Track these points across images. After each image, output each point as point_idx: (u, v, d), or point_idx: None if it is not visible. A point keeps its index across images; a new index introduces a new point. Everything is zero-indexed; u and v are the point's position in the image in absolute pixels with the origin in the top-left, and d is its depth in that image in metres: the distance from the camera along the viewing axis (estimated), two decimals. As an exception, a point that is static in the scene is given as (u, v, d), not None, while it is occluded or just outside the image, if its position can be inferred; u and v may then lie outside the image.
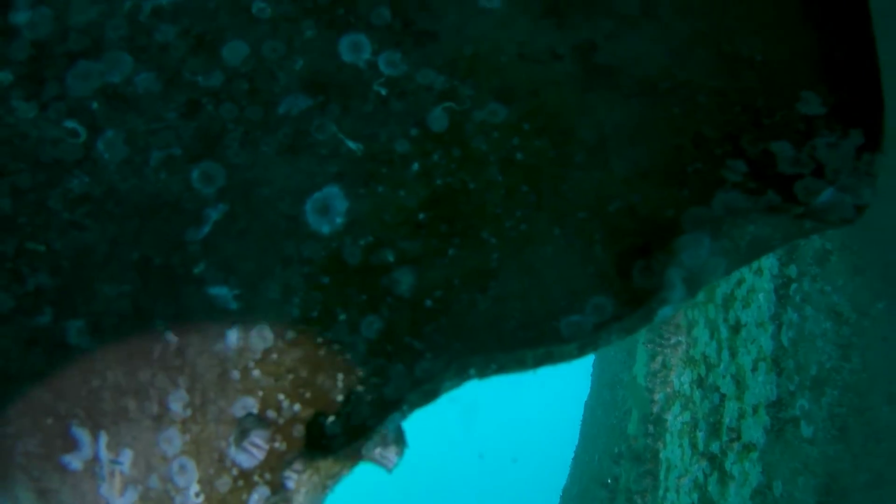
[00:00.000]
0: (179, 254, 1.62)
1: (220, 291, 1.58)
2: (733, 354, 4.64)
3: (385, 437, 1.38)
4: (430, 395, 1.40)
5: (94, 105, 1.73)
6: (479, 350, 1.44)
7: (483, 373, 1.40)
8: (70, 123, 1.73)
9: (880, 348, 3.18)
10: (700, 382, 5.10)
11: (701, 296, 5.16)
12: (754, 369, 4.34)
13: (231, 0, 1.77)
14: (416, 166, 1.61)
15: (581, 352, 1.42)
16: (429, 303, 1.51)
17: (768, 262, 4.26)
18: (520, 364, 1.41)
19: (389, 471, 1.43)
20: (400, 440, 1.41)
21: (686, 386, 5.34)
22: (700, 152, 1.71)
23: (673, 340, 5.51)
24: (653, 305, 1.43)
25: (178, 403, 1.57)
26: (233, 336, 1.56)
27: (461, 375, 1.40)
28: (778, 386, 4.04)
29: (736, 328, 4.64)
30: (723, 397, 4.72)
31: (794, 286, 3.96)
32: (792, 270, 3.98)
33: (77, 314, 1.64)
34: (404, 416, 1.41)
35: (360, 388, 1.46)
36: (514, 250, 1.54)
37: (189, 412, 1.56)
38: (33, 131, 1.73)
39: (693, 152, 1.71)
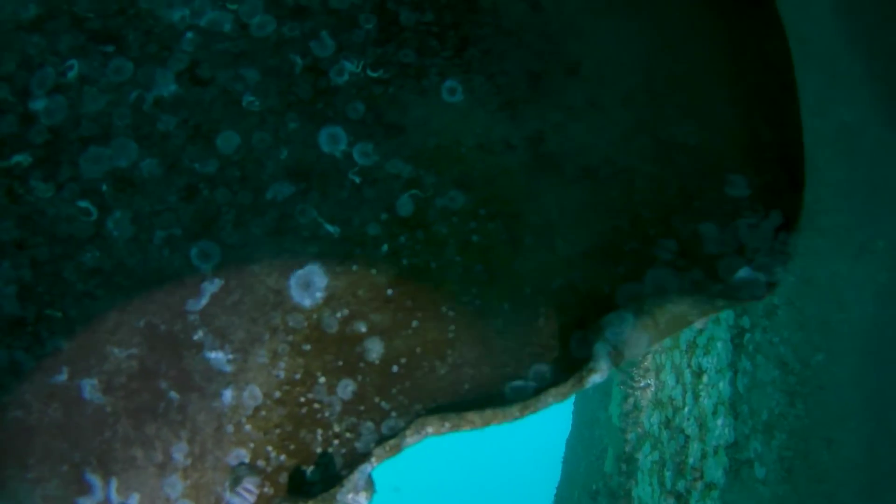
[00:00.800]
0: (180, 322, 1.98)
1: (217, 356, 1.94)
2: (696, 398, 5.09)
3: (356, 484, 1.74)
4: (394, 449, 1.77)
5: (104, 187, 2.08)
6: (436, 410, 1.80)
7: (438, 430, 1.76)
8: (83, 203, 2.08)
9: (819, 396, 3.58)
10: (667, 424, 5.56)
11: (668, 341, 5.65)
12: (714, 413, 4.78)
13: (224, 94, 2.13)
14: (385, 248, 1.97)
15: (522, 413, 1.78)
16: (395, 368, 1.88)
17: (725, 312, 4.70)
18: (470, 423, 1.77)
19: (361, 513, 1.78)
20: (369, 486, 1.76)
21: (655, 427, 5.80)
22: (636, 232, 2.08)
23: (643, 383, 5.98)
24: (583, 374, 1.79)
25: (179, 453, 1.92)
26: (227, 395, 1.92)
27: (420, 433, 1.76)
28: (735, 429, 4.48)
29: (698, 373, 5.10)
30: (687, 438, 5.17)
31: (747, 336, 4.39)
32: (745, 321, 4.42)
33: (91, 374, 1.99)
34: (372, 466, 1.77)
35: (335, 441, 1.83)
36: (468, 323, 1.91)
37: (189, 461, 1.91)
38: (50, 209, 2.09)
39: (630, 232, 2.07)
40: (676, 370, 5.50)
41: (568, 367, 1.84)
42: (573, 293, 1.96)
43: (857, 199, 3.16)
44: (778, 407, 3.99)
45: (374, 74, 2.12)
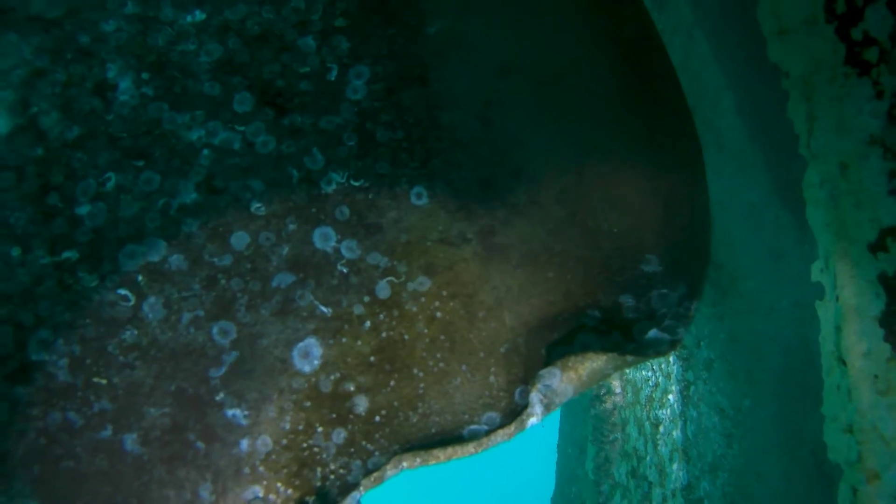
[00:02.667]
0: (205, 386, 2.68)
1: (235, 413, 2.64)
2: (656, 447, 5.93)
3: (348, 509, 2.44)
4: (377, 480, 2.47)
5: (140, 278, 2.81)
6: (410, 449, 2.51)
7: (412, 465, 2.47)
8: (122, 291, 2.80)
9: (749, 437, 4.35)
10: (633, 473, 6.38)
11: (630, 397, 6.53)
12: (671, 459, 5.60)
13: (236, 201, 2.88)
14: (367, 324, 2.71)
15: (476, 449, 2.50)
16: (377, 419, 2.59)
17: (675, 368, 5.58)
18: (436, 458, 2.48)
19: (352, 533, 2.48)
20: (358, 511, 2.47)
21: (623, 476, 6.62)
22: (568, 305, 2.83)
23: (611, 437, 6.82)
24: (524, 418, 2.52)
25: (205, 491, 2.61)
26: (244, 444, 2.62)
27: (397, 467, 2.47)
28: (688, 472, 5.27)
29: (656, 424, 5.95)
30: (650, 485, 5.98)
31: (692, 388, 5.22)
32: (690, 375, 5.26)
33: (131, 429, 2.68)
34: (361, 493, 2.47)
35: (331, 477, 2.53)
36: (434, 381, 2.63)
37: (214, 497, 2.60)
38: (95, 296, 2.80)
39: (562, 305, 2.82)
40: (638, 423, 6.33)
41: (512, 413, 2.57)
42: (517, 355, 2.70)
43: (766, 267, 3.97)
44: (719, 449, 4.77)
45: (357, 183, 2.88)
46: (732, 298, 4.41)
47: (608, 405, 6.79)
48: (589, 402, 7.16)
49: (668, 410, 5.74)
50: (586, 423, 7.30)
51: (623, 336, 2.78)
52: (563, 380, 2.58)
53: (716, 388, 4.80)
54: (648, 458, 6.07)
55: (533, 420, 2.53)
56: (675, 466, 5.54)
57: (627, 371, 6.68)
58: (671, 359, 5.72)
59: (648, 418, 6.10)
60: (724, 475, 4.67)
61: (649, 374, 6.18)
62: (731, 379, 4.57)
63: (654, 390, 6.03)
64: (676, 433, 5.56)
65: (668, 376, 5.77)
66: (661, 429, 5.85)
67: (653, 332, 2.77)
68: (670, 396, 5.71)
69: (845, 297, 3.11)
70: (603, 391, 6.88)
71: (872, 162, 2.82)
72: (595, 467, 6.96)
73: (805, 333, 3.56)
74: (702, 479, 5.03)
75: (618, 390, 6.80)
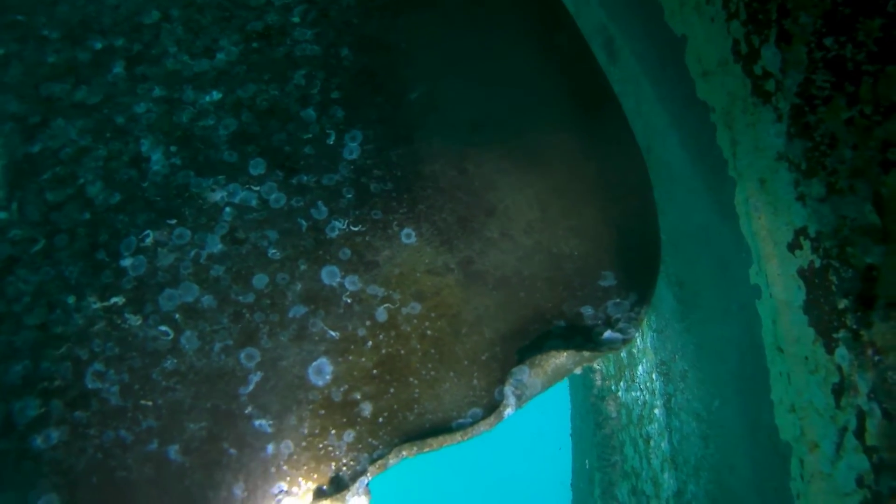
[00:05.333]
0: (235, 402, 3.34)
1: (261, 423, 3.30)
2: (649, 461, 6.56)
3: (357, 490, 3.07)
4: (382, 467, 3.12)
5: (177, 316, 3.49)
6: (407, 440, 3.16)
7: (410, 453, 3.12)
8: (162, 328, 3.48)
9: (721, 435, 4.96)
10: (634, 490, 7.02)
11: (624, 419, 7.18)
12: (662, 470, 6.21)
13: (255, 248, 3.58)
14: (369, 343, 3.38)
15: (462, 437, 3.14)
16: (380, 420, 3.25)
17: (658, 384, 6.25)
18: (429, 446, 3.12)
19: (363, 515, 3.11)
20: (367, 492, 3.10)
21: (626, 495, 7.26)
22: (537, 318, 3.49)
23: (612, 460, 7.45)
24: (501, 411, 3.17)
25: (238, 490, 3.25)
26: (270, 448, 3.27)
27: (398, 456, 3.12)
28: (677, 479, 5.87)
29: (647, 440, 6.60)
30: (648, 498, 6.57)
31: (673, 400, 5.88)
32: (671, 388, 5.92)
33: (174, 441, 3.33)
34: (368, 479, 3.11)
35: (344, 468, 3.17)
36: (427, 387, 3.29)
37: (245, 494, 3.23)
38: (140, 333, 3.48)
39: (533, 318, 3.49)
40: (633, 442, 6.97)
41: (492, 407, 3.22)
42: (496, 361, 3.36)
43: (717, 277, 4.64)
44: (699, 451, 5.39)
45: (355, 228, 3.59)
46: (695, 311, 5.07)
47: (607, 431, 7.42)
48: (591, 433, 7.79)
49: (656, 424, 6.39)
50: (592, 454, 7.92)
51: (583, 338, 3.44)
52: (531, 375, 3.24)
53: (692, 396, 5.44)
54: (644, 473, 6.70)
55: (509, 410, 3.18)
56: (665, 476, 6.16)
57: (621, 395, 7.32)
58: (654, 376, 6.36)
59: (641, 435, 6.75)
60: (705, 474, 5.27)
61: (638, 394, 6.82)
62: (702, 384, 5.21)
63: (643, 408, 6.69)
64: (664, 444, 6.19)
65: (652, 393, 6.42)
66: (652, 443, 6.49)
67: (608, 334, 3.42)
68: (656, 411, 6.36)
69: (776, 293, 3.78)
70: (601, 418, 7.51)
71: (782, 175, 3.53)
72: (601, 493, 7.57)
73: (752, 330, 4.22)
74: (688, 482, 5.64)
75: (613, 415, 7.42)
